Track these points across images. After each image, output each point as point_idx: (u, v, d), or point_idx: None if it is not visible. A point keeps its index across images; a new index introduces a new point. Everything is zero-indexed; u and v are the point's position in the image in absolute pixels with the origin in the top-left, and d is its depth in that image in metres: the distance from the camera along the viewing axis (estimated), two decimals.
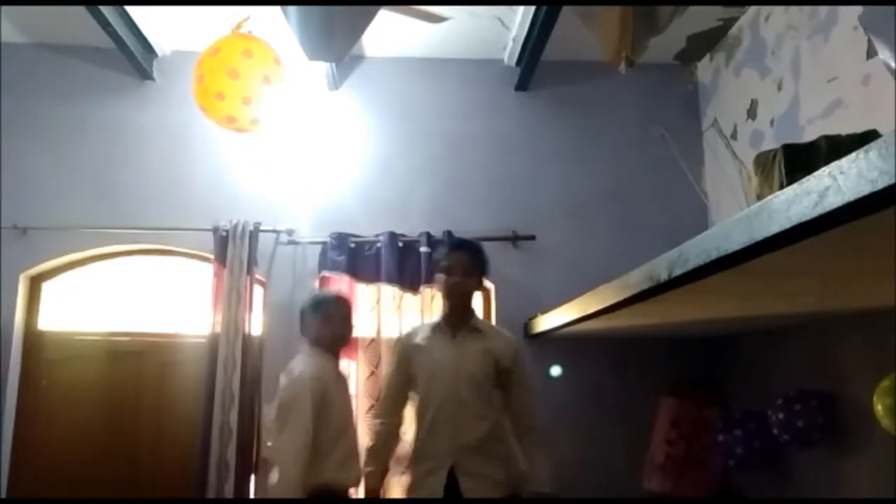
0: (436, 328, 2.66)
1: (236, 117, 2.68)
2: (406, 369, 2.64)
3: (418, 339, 2.65)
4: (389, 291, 3.42)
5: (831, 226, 1.00)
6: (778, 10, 3.07)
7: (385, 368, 3.30)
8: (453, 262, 2.61)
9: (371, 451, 2.64)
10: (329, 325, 2.66)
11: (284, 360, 3.03)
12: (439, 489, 2.44)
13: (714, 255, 1.33)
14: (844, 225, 0.98)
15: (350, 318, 2.80)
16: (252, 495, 3.21)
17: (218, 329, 3.29)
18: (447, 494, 2.43)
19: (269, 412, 2.82)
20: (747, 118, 3.34)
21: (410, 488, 2.56)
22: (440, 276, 2.64)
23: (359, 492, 2.70)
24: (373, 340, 3.38)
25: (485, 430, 2.49)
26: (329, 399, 2.51)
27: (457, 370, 2.52)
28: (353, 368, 3.30)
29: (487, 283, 3.67)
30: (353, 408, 2.89)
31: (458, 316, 2.62)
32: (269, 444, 2.93)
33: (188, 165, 3.60)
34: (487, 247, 3.53)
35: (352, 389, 3.13)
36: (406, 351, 2.67)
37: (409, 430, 2.70)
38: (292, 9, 2.31)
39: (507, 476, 2.52)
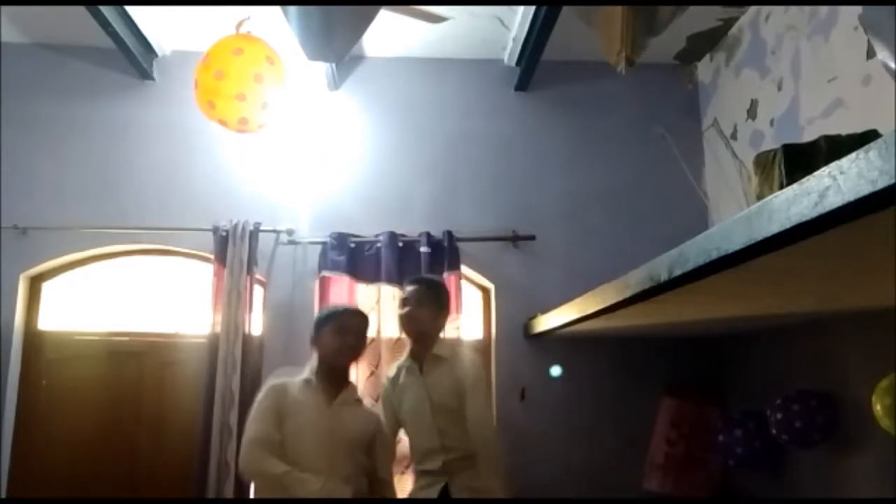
0: (403, 363, 2.81)
1: (249, 119, 2.68)
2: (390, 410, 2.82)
3: (395, 378, 2.83)
4: (389, 291, 3.42)
5: (831, 226, 1.00)
6: (778, 10, 3.07)
7: (385, 368, 3.31)
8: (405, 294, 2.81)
9: None
10: (338, 336, 2.57)
11: (284, 360, 3.03)
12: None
13: (714, 255, 1.33)
14: (844, 225, 0.98)
15: (362, 333, 2.67)
16: (252, 495, 3.21)
17: (218, 329, 3.29)
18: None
19: None
20: (747, 118, 3.34)
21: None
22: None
23: None
24: (373, 340, 3.36)
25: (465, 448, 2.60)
26: (282, 417, 2.44)
27: (429, 400, 2.66)
28: (352, 369, 3.28)
29: (487, 284, 3.68)
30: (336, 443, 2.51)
31: (418, 348, 2.76)
32: None
33: (188, 165, 3.59)
34: (488, 247, 3.59)
35: None
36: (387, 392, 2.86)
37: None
38: (292, 9, 2.31)
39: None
